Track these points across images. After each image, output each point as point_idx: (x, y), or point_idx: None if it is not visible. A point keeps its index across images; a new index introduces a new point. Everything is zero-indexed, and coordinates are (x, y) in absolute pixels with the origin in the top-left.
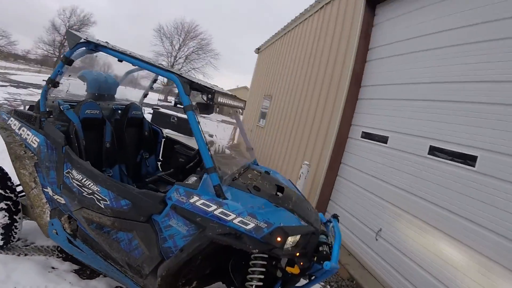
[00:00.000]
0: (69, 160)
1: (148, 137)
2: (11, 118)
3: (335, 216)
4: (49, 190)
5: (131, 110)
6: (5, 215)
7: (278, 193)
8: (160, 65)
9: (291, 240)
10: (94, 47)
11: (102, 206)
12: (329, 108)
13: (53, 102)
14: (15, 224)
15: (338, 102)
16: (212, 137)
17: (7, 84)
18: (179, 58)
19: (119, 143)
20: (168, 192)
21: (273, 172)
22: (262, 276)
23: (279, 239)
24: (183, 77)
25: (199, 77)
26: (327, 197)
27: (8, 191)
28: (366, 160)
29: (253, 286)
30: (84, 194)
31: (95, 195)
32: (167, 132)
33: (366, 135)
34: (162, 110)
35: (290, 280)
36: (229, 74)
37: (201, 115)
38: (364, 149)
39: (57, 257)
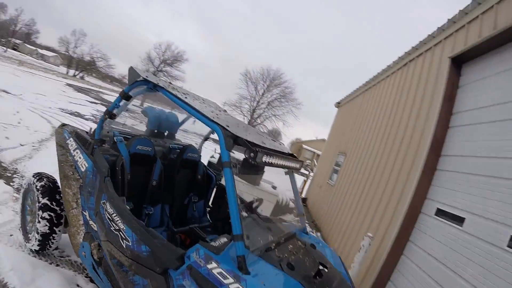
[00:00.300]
0: (106, 192)
1: (201, 181)
2: (71, 139)
3: None
4: (86, 214)
5: (187, 151)
6: (46, 225)
7: (317, 275)
8: (207, 115)
9: None
10: (153, 86)
11: (124, 246)
12: (404, 176)
13: (108, 132)
14: (54, 235)
15: (414, 171)
16: (275, 189)
17: (98, 102)
18: (262, 103)
19: (167, 182)
20: (189, 250)
21: (321, 246)
22: None
23: None
24: (228, 131)
25: (278, 124)
26: (386, 277)
27: (54, 204)
28: (437, 242)
29: None
30: (111, 228)
31: (121, 232)
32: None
33: (441, 213)
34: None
35: None
36: (309, 124)
37: (247, 174)
38: (437, 229)
39: (85, 277)
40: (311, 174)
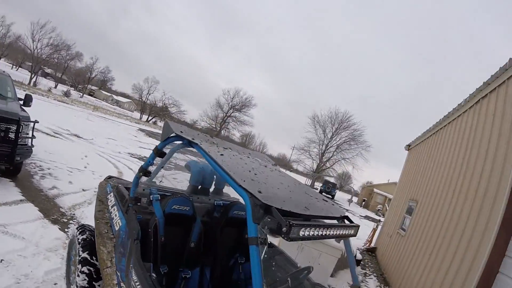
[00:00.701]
0: (135, 256)
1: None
2: (111, 193)
3: None
4: (119, 274)
5: (233, 209)
6: (85, 279)
7: None
8: (234, 178)
9: None
10: (188, 142)
11: None
12: (479, 230)
13: (143, 190)
14: None
15: (491, 225)
16: (339, 242)
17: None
18: (330, 146)
19: (208, 243)
20: None
21: None
22: None
23: None
24: (257, 198)
25: (348, 168)
26: None
27: (94, 258)
28: None
29: None
30: None
31: None
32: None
33: None
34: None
35: None
36: (380, 166)
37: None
38: None
39: None
40: (382, 219)
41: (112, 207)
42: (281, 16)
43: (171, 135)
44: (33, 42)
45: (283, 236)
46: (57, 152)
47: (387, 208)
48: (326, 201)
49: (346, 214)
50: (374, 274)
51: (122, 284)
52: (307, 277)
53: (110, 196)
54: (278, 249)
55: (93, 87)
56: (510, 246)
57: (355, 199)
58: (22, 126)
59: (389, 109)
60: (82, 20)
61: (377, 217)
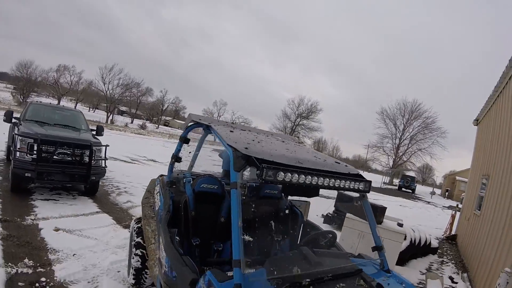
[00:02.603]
0: (163, 232)
1: (284, 218)
2: (158, 185)
3: None
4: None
5: (264, 188)
6: (138, 260)
7: None
8: (223, 138)
9: None
10: (206, 127)
11: (163, 272)
12: None
13: (178, 174)
14: (146, 270)
15: None
16: (401, 226)
17: None
18: (404, 139)
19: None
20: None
21: (397, 285)
22: None
23: None
24: (238, 151)
25: (426, 159)
26: None
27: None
28: None
29: None
30: (160, 257)
31: (163, 260)
32: (349, 216)
33: None
34: (347, 192)
35: None
36: (462, 153)
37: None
38: None
39: None
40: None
41: (156, 193)
42: (335, 14)
43: (190, 123)
44: (104, 85)
45: (258, 178)
46: (134, 175)
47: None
48: (338, 163)
49: (358, 173)
50: (453, 261)
51: (158, 259)
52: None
53: (157, 186)
54: (317, 227)
55: (167, 118)
56: None
57: (437, 191)
58: (95, 150)
59: (462, 86)
60: (146, 58)
61: (454, 205)
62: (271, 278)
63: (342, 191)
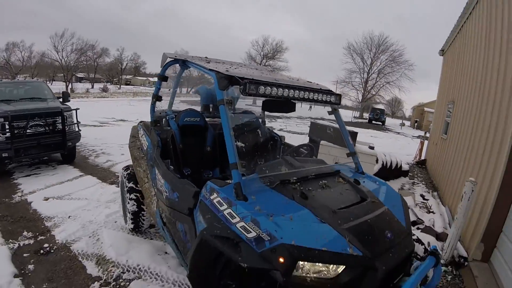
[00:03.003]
0: (156, 162)
1: (264, 143)
2: (141, 129)
3: (434, 254)
4: (153, 183)
5: (243, 117)
6: (134, 204)
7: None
8: (204, 66)
9: (306, 266)
10: (182, 63)
11: (164, 198)
12: (505, 107)
13: (160, 113)
14: (142, 212)
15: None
16: (372, 149)
17: None
18: (372, 73)
19: (223, 147)
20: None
21: (372, 183)
22: None
23: (281, 260)
24: (221, 73)
25: (395, 92)
26: (497, 228)
27: (138, 186)
28: None
29: None
30: (158, 187)
31: (162, 187)
32: (323, 143)
33: None
34: (320, 121)
35: None
36: (430, 85)
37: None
38: None
39: None
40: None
41: (141, 136)
42: None
43: (167, 60)
44: (57, 53)
45: (241, 92)
46: (107, 137)
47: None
48: (310, 82)
49: (329, 89)
50: (423, 182)
51: (155, 190)
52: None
53: (140, 130)
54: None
55: (128, 76)
56: None
57: (407, 122)
58: (66, 116)
59: (428, 20)
60: (97, 18)
61: (422, 133)
62: (263, 177)
63: (315, 122)
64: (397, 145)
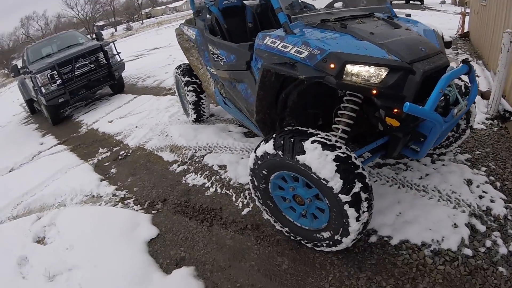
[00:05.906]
0: (208, 39)
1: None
2: (185, 26)
3: (466, 61)
4: (207, 64)
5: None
6: (193, 95)
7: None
8: None
9: (353, 69)
10: None
11: (222, 64)
12: None
13: (200, 3)
14: (202, 101)
15: None
16: (409, 16)
17: None
18: None
19: (263, 22)
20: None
21: (406, 21)
22: (350, 121)
23: (332, 65)
24: None
25: None
26: None
27: (193, 78)
28: None
29: (340, 130)
30: (215, 59)
31: (219, 57)
32: None
33: None
34: None
35: (396, 139)
36: None
37: None
38: None
39: (235, 125)
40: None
41: (187, 31)
42: None
43: None
44: (72, 10)
45: None
46: (146, 64)
47: None
48: None
49: None
50: (467, 52)
51: (211, 70)
52: None
53: (183, 27)
54: None
55: (147, 10)
56: None
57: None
58: (106, 50)
59: None
60: None
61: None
62: (305, 17)
63: None
64: (437, 21)
